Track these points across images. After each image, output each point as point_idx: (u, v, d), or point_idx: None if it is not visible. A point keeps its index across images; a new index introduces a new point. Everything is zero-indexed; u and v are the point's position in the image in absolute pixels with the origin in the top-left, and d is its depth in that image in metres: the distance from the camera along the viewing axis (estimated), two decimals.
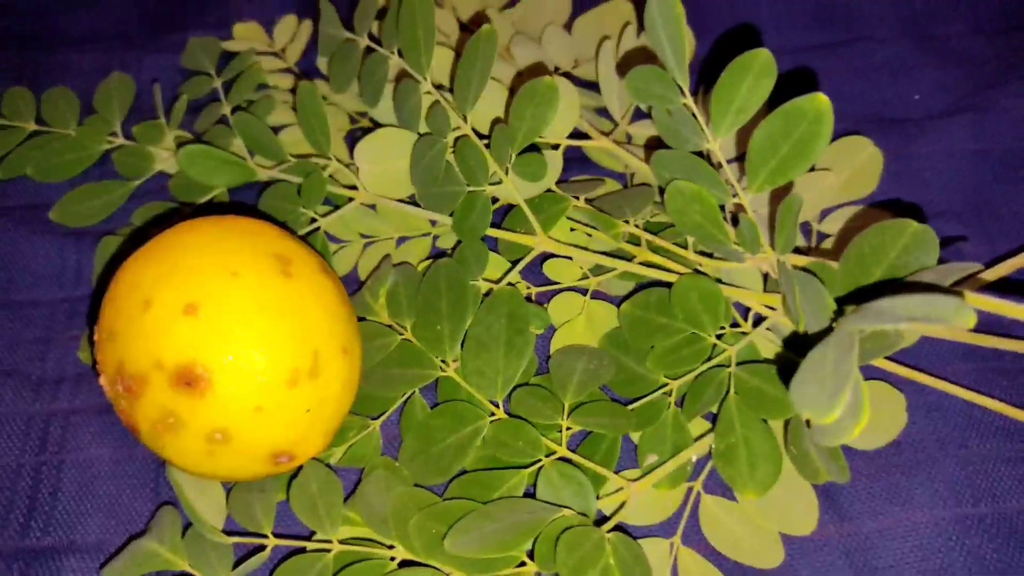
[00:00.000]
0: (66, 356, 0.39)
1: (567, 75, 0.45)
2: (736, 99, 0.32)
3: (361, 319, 0.38)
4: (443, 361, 0.36)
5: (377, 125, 0.43)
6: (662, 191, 0.35)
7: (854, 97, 0.46)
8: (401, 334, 0.37)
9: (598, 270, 0.39)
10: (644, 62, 0.36)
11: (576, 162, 0.43)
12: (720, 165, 0.34)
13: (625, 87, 0.34)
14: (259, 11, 0.49)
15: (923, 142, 0.44)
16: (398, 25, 0.39)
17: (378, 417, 0.37)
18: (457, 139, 0.38)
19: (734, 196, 0.33)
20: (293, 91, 0.46)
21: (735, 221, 0.36)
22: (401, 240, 0.41)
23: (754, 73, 0.32)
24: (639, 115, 0.43)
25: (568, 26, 0.46)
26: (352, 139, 0.45)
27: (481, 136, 0.38)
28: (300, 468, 0.34)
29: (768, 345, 0.36)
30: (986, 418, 0.36)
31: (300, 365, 0.31)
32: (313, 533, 0.34)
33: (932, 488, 0.35)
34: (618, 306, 0.38)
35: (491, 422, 0.35)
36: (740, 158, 0.38)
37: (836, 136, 0.40)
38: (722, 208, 0.34)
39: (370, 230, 0.41)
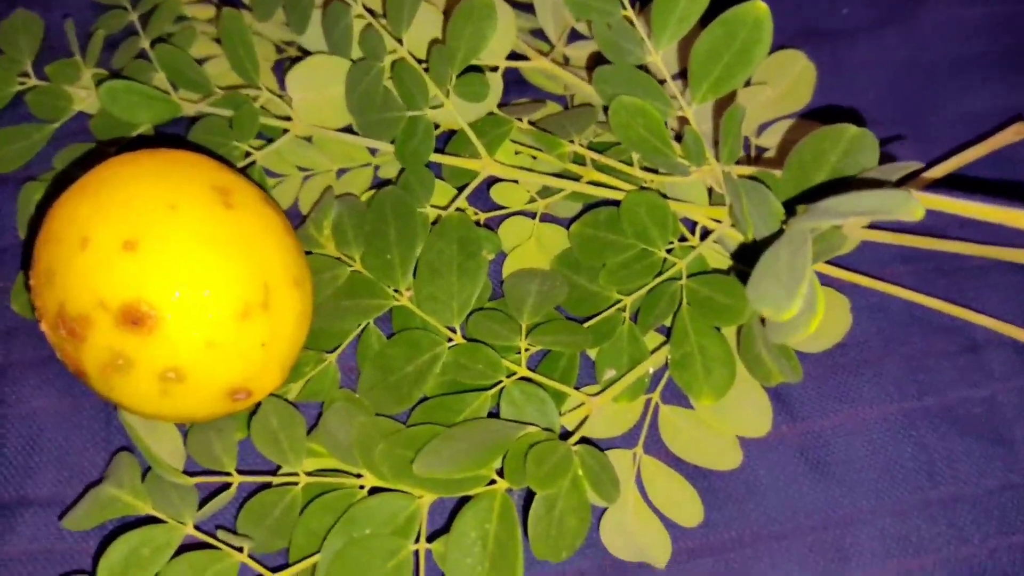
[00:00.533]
0: None
1: None
2: (676, 9, 0.32)
3: (308, 253, 0.37)
4: (395, 290, 0.36)
5: (306, 53, 0.42)
6: (606, 110, 0.35)
7: (784, 12, 0.46)
8: (350, 266, 0.36)
9: (545, 192, 0.39)
10: None
11: (514, 85, 0.43)
12: (663, 80, 0.34)
13: (563, 3, 0.34)
14: None
15: (854, 53, 0.45)
16: None
17: (333, 350, 0.36)
18: (393, 63, 0.37)
19: (678, 109, 0.33)
20: (213, 22, 0.44)
21: (678, 138, 0.37)
22: (341, 172, 0.40)
23: None
24: (575, 36, 0.43)
25: None
26: (280, 69, 0.43)
27: (418, 61, 0.37)
28: (258, 406, 0.33)
29: (716, 257, 0.37)
30: (926, 316, 0.38)
31: (251, 298, 0.30)
32: (277, 469, 0.33)
33: (879, 385, 0.37)
34: (567, 228, 0.38)
35: (449, 347, 0.35)
36: (682, 74, 0.38)
37: (769, 51, 0.41)
38: (665, 124, 0.34)
39: (308, 162, 0.40)
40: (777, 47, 0.41)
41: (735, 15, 0.31)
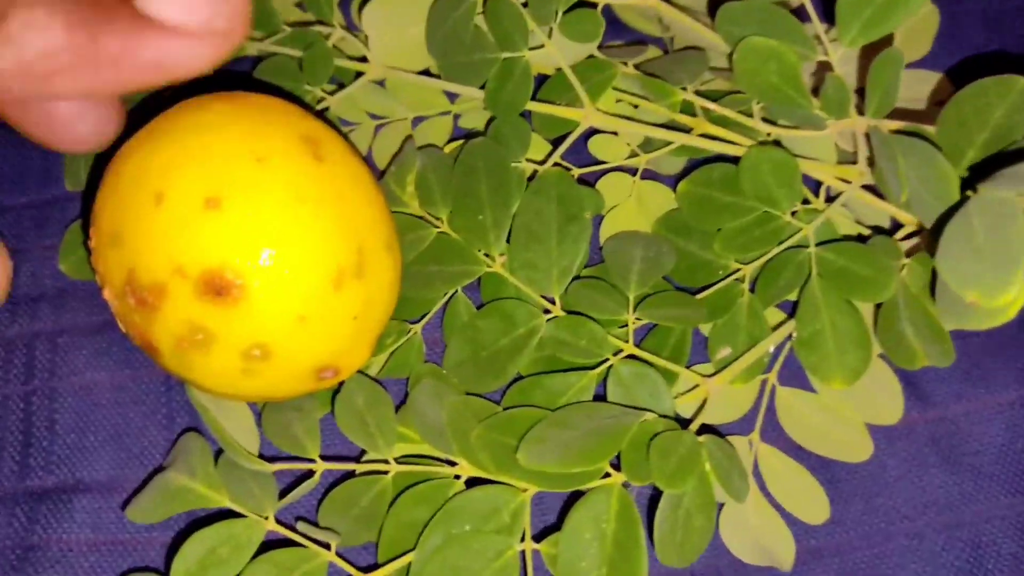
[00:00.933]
0: (42, 270, 0.33)
1: None
2: None
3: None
4: (487, 255, 0.32)
5: None
6: (730, 57, 0.30)
7: None
8: (436, 227, 0.33)
9: (648, 146, 0.35)
10: None
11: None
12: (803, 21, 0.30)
13: None
14: None
15: None
16: None
17: (418, 320, 0.33)
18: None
19: (821, 54, 0.29)
20: None
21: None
22: (417, 120, 0.36)
23: None
24: None
25: None
26: (347, 3, 0.39)
27: None
28: (341, 384, 0.30)
29: (843, 223, 0.33)
30: None
31: (345, 264, 0.26)
32: (361, 453, 0.30)
33: (1016, 368, 0.33)
34: (673, 186, 0.34)
35: (548, 320, 0.31)
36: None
37: None
38: None
39: (381, 109, 0.36)
40: None
41: None
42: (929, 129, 0.29)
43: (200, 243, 0.25)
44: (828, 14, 0.30)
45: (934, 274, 0.28)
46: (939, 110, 0.29)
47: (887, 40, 0.28)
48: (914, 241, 0.31)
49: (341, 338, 0.27)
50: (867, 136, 0.30)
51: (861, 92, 0.31)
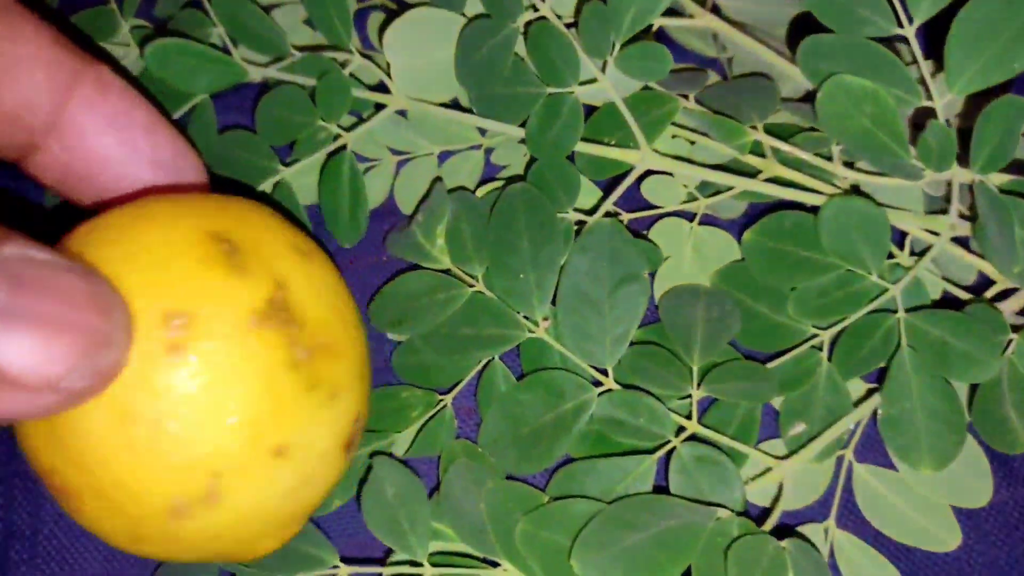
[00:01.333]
0: None
1: None
2: None
3: (416, 267, 0.29)
4: (528, 318, 0.28)
5: (401, 3, 0.34)
6: (813, 96, 0.27)
7: None
8: (471, 285, 0.29)
9: (706, 188, 0.31)
10: None
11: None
12: (910, 61, 0.26)
13: None
14: None
15: None
16: None
17: (449, 390, 0.29)
18: (528, 24, 0.29)
19: (924, 99, 0.25)
20: None
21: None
22: (443, 155, 0.32)
23: None
24: None
25: None
26: (362, 21, 0.35)
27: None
28: (368, 469, 0.26)
29: (927, 277, 0.29)
30: None
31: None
32: (389, 552, 0.26)
33: None
34: (734, 231, 0.31)
35: (599, 394, 0.27)
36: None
37: None
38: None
39: (404, 144, 0.32)
40: None
41: None
42: None
43: None
44: (932, 47, 0.26)
45: None
46: None
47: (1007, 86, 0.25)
48: (1015, 304, 0.28)
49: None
50: (969, 188, 0.27)
51: (961, 133, 0.27)
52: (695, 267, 0.31)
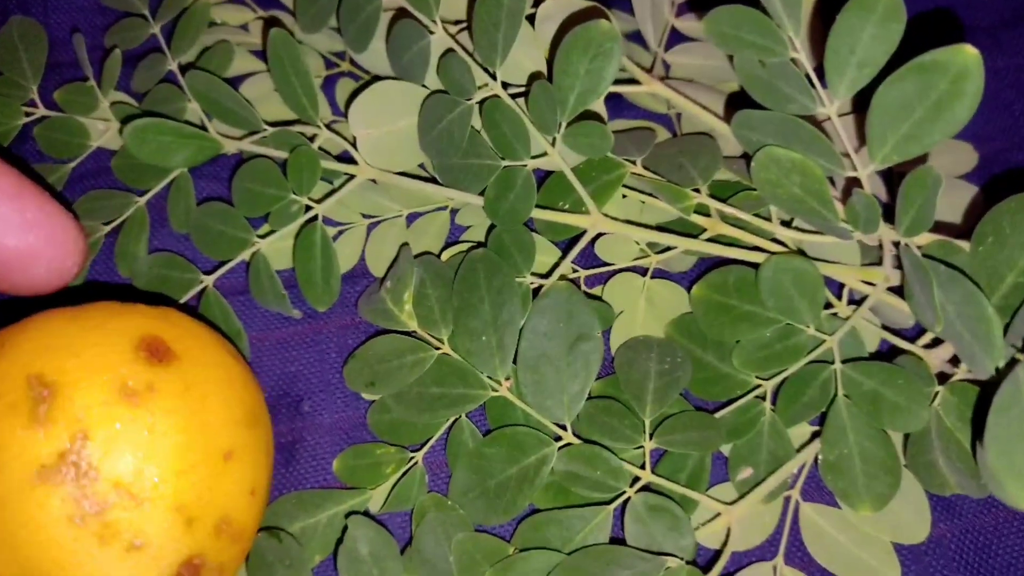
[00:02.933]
0: None
1: None
2: (857, 49, 0.25)
3: (386, 331, 0.31)
4: (491, 377, 0.30)
5: (362, 68, 0.36)
6: (747, 158, 0.28)
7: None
8: (438, 347, 0.31)
9: (655, 244, 0.33)
10: None
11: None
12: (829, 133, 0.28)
13: (704, 30, 0.27)
14: None
15: (998, 55, 0.38)
16: None
17: (419, 447, 0.31)
18: (483, 101, 0.31)
19: (849, 169, 0.27)
20: (248, 27, 0.37)
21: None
22: (412, 216, 0.34)
23: (878, 16, 0.25)
24: (676, 38, 0.36)
25: None
26: (331, 87, 0.37)
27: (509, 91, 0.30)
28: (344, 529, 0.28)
29: (867, 327, 0.31)
30: None
31: None
32: None
33: None
34: (688, 286, 0.32)
35: (559, 449, 0.29)
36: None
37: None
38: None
39: (373, 208, 0.34)
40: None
41: (934, 61, 0.25)
42: (963, 246, 0.27)
43: None
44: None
45: (975, 411, 0.26)
46: (975, 220, 0.27)
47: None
48: (945, 352, 0.29)
49: None
50: (895, 245, 0.29)
51: (891, 195, 0.29)
52: (649, 318, 0.33)
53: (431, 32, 0.31)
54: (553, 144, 0.30)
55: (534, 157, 0.30)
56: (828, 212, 0.28)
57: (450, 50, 0.31)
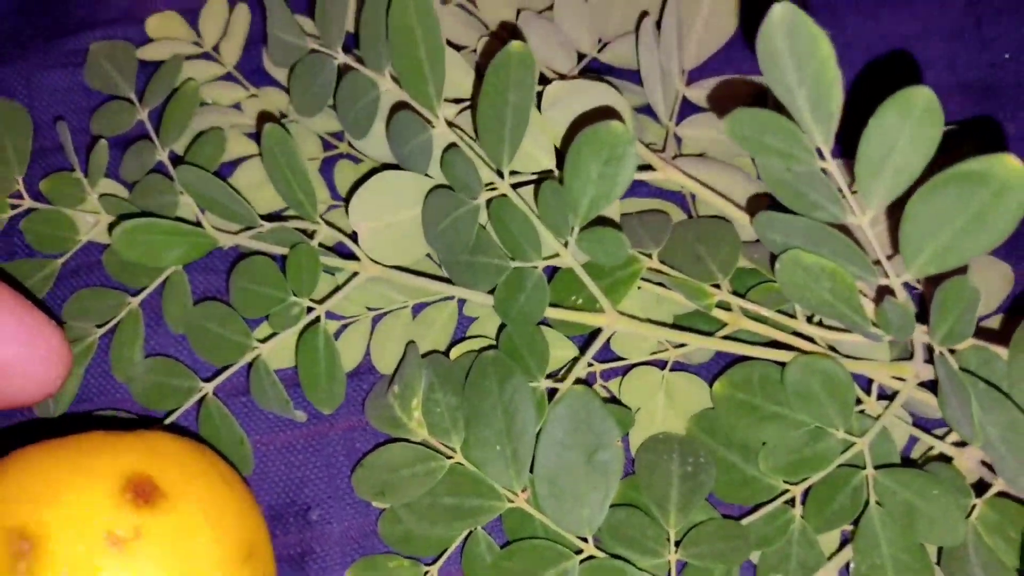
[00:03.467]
0: None
1: (593, 64, 0.35)
2: (893, 155, 0.24)
3: (394, 440, 0.30)
4: (507, 488, 0.29)
5: (361, 153, 0.34)
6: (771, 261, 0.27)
7: (933, 61, 0.38)
8: (450, 456, 0.29)
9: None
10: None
11: None
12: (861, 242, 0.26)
13: (725, 131, 0.26)
14: None
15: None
16: (388, 37, 0.29)
17: (434, 561, 0.30)
18: (490, 200, 0.29)
19: (881, 276, 0.26)
20: (240, 106, 0.36)
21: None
22: (418, 307, 0.33)
23: (915, 119, 0.23)
24: (688, 109, 0.35)
25: None
26: (329, 169, 0.35)
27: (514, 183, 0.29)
28: None
29: (897, 424, 0.30)
30: None
31: None
32: None
33: None
34: (708, 377, 0.31)
35: (581, 562, 0.28)
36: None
37: None
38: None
39: (377, 300, 0.33)
40: None
41: (971, 171, 0.23)
42: (1002, 353, 0.26)
43: None
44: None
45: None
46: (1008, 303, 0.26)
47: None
48: (978, 452, 0.28)
49: None
50: (927, 348, 0.27)
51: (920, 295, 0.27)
52: (669, 414, 0.31)
53: (432, 126, 0.29)
54: (566, 246, 0.28)
55: (545, 258, 0.29)
56: (859, 318, 0.27)
57: (454, 148, 0.29)
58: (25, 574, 0.22)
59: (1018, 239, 0.26)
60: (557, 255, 0.29)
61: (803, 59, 0.23)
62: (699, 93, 0.35)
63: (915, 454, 0.31)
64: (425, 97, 0.29)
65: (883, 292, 0.27)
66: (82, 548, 0.23)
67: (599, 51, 0.35)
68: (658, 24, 0.33)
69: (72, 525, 0.23)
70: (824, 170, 0.25)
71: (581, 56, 0.35)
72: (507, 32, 0.35)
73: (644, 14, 0.34)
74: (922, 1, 0.38)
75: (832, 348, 0.30)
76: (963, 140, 0.35)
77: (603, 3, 0.35)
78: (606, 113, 0.30)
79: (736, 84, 0.34)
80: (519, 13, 0.34)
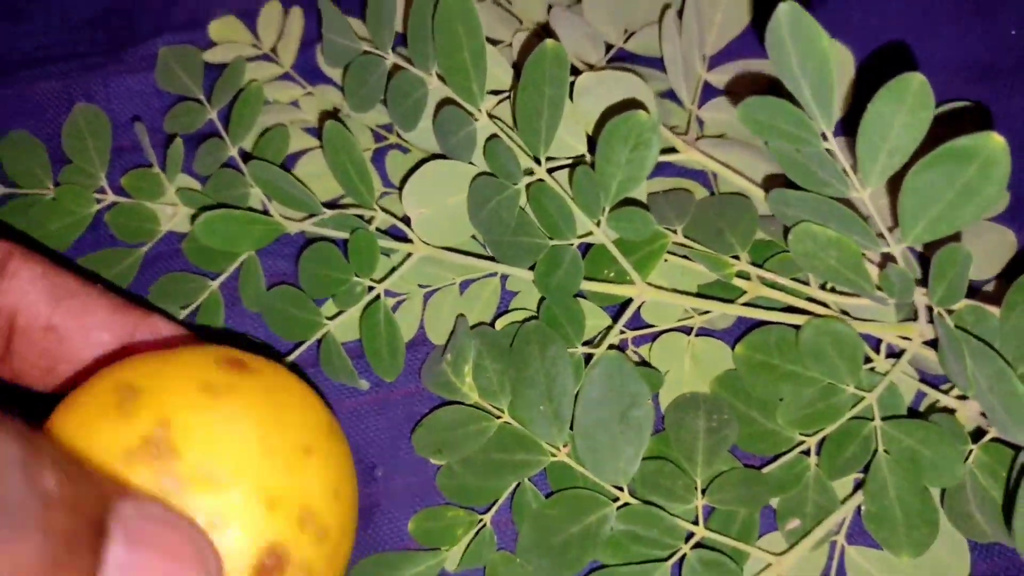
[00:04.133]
0: None
1: (621, 53, 0.38)
2: (888, 138, 0.27)
3: (449, 403, 0.33)
4: (550, 444, 0.32)
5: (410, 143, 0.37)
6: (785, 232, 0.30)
7: (940, 39, 0.40)
8: (498, 416, 0.33)
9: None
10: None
11: None
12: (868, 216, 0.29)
13: (738, 117, 0.29)
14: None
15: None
16: (434, 39, 0.32)
17: (487, 509, 0.33)
18: (529, 185, 0.32)
19: (884, 246, 0.29)
20: (299, 104, 0.39)
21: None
22: (465, 284, 0.36)
23: (908, 105, 0.26)
24: (709, 92, 0.38)
25: None
26: (381, 160, 0.38)
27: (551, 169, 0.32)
28: None
29: (905, 379, 0.33)
30: None
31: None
32: None
33: None
34: (731, 341, 0.34)
35: (618, 510, 0.31)
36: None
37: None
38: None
39: (428, 278, 0.36)
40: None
41: (959, 148, 0.26)
42: (995, 311, 0.29)
43: None
44: None
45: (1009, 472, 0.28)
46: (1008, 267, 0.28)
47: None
48: (976, 405, 0.31)
49: None
50: (928, 309, 0.30)
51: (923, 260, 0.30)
52: (695, 375, 0.34)
53: (475, 120, 0.32)
54: (598, 225, 0.32)
55: (580, 236, 0.32)
56: (864, 283, 0.30)
57: (496, 138, 0.32)
58: (130, 410, 0.24)
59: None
60: (591, 233, 0.32)
61: (805, 54, 0.26)
62: (720, 77, 0.38)
63: (923, 407, 0.33)
64: (469, 94, 0.32)
65: (887, 259, 0.30)
66: (181, 391, 0.25)
67: (625, 41, 0.38)
68: (680, 14, 0.36)
69: (174, 377, 0.25)
70: (829, 151, 0.27)
71: (609, 47, 0.38)
72: (541, 29, 0.38)
73: (667, 6, 0.37)
74: None
75: (844, 312, 0.33)
76: (962, 118, 0.38)
77: None
78: (632, 102, 0.33)
79: (752, 71, 0.37)
80: (550, 8, 0.37)
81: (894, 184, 0.29)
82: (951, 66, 0.39)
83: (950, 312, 0.29)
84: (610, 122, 0.30)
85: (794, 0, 0.26)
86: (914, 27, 0.40)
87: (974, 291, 0.34)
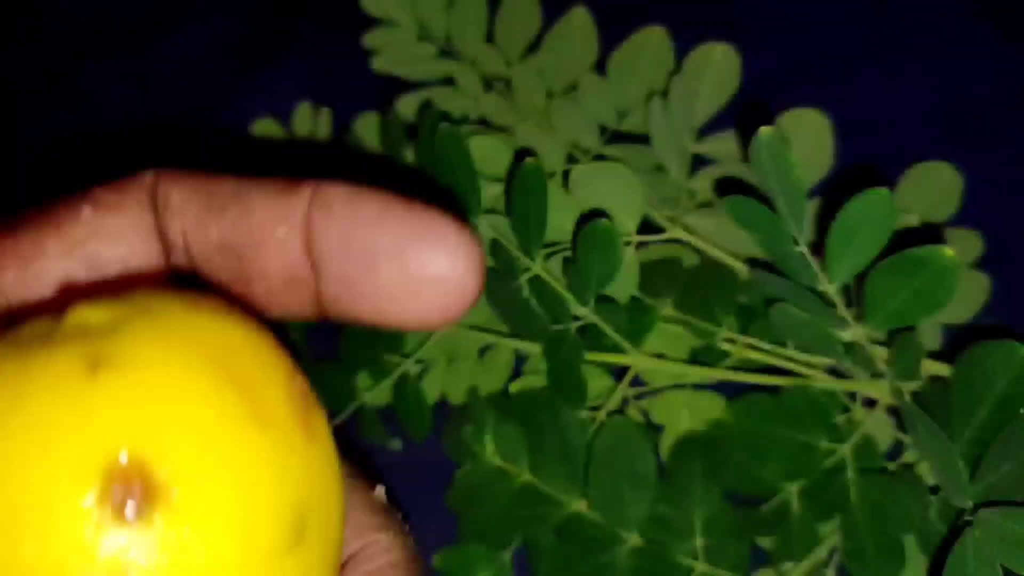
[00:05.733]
0: None
1: (616, 134, 0.42)
2: (853, 243, 0.30)
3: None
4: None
5: None
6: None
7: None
8: (517, 476, 0.37)
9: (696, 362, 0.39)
10: None
11: None
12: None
13: (726, 208, 0.32)
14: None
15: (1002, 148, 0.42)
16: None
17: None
18: (530, 280, 0.37)
19: (850, 327, 0.33)
20: None
21: None
22: (482, 349, 0.41)
23: (872, 218, 0.30)
24: (699, 163, 0.41)
25: (601, 65, 0.42)
26: None
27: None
28: None
29: (883, 426, 0.37)
30: None
31: None
32: None
33: None
34: (723, 393, 0.38)
35: (628, 549, 0.36)
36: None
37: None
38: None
39: (452, 351, 0.41)
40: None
41: (914, 258, 0.30)
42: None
43: None
44: None
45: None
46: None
47: None
48: None
49: None
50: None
51: None
52: (692, 425, 0.39)
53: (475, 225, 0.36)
54: (592, 310, 0.36)
55: (574, 318, 0.36)
56: (835, 353, 0.34)
57: (494, 242, 0.36)
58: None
59: None
60: (585, 316, 0.36)
61: (781, 176, 0.30)
62: (709, 148, 0.41)
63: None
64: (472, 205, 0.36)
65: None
66: None
67: (620, 124, 0.42)
68: (665, 95, 0.40)
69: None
70: (799, 252, 0.31)
71: (604, 128, 0.41)
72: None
73: (652, 94, 0.40)
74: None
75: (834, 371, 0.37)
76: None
77: (620, 77, 0.42)
78: (620, 192, 0.37)
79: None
80: (550, 103, 0.41)
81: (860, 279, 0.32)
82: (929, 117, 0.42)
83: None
84: (581, 231, 0.34)
85: (774, 128, 0.30)
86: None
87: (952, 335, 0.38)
